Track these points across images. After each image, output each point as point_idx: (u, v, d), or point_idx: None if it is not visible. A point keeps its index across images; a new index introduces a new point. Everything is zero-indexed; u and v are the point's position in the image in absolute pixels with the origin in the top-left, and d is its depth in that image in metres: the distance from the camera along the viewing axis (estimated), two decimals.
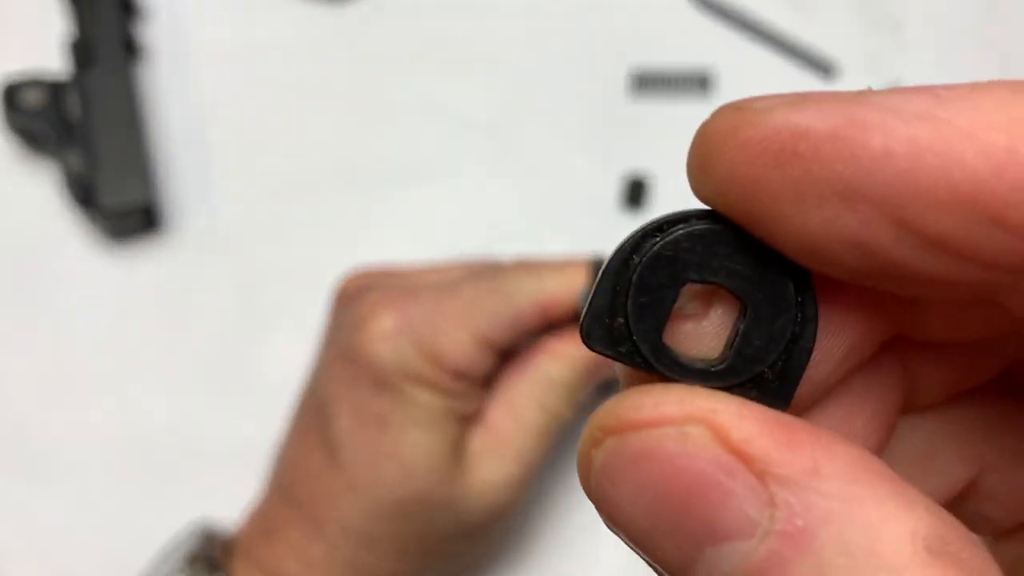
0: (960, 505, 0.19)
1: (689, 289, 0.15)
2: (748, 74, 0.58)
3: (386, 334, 0.39)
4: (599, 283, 0.15)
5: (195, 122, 0.57)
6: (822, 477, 0.13)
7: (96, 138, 0.52)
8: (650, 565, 0.14)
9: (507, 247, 0.49)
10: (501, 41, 0.59)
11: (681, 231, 0.14)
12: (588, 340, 0.15)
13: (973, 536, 0.13)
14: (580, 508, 0.48)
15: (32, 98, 0.52)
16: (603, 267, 0.15)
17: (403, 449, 0.39)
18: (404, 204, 0.55)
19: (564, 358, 0.41)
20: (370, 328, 0.39)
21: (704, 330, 0.15)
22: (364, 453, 0.39)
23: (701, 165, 0.14)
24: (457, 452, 0.40)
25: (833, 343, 0.15)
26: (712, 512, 0.13)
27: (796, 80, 0.58)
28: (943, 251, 0.13)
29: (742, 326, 0.14)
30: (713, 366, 0.15)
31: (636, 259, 0.15)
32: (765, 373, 0.14)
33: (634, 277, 0.14)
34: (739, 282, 0.14)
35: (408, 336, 0.39)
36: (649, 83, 0.57)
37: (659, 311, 0.14)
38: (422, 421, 0.39)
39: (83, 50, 0.54)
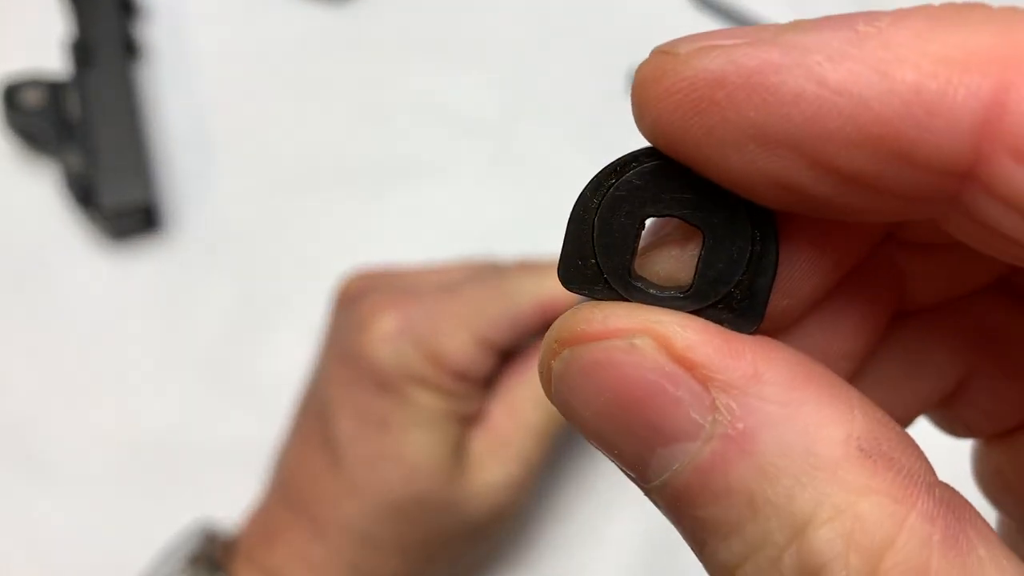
0: (948, 409, 0.19)
1: (655, 223, 0.16)
2: None
3: (387, 336, 0.39)
4: (567, 229, 0.16)
5: (195, 122, 0.57)
6: (762, 383, 0.13)
7: (96, 138, 0.52)
8: (612, 461, 0.15)
9: (507, 246, 0.49)
10: (501, 40, 0.60)
11: (633, 170, 0.15)
12: (566, 283, 0.16)
13: (908, 438, 0.14)
14: (581, 508, 0.48)
15: (32, 98, 0.52)
16: (569, 214, 0.16)
17: (404, 450, 0.39)
18: (404, 203, 0.55)
19: None
20: (371, 330, 0.39)
21: (671, 260, 0.16)
22: (365, 455, 0.39)
23: (637, 108, 0.14)
24: (458, 453, 0.40)
25: (805, 258, 0.15)
26: (659, 417, 0.14)
27: None
28: (860, 187, 0.13)
29: (703, 251, 0.15)
30: (682, 292, 0.15)
31: (596, 201, 0.16)
32: (733, 293, 0.15)
33: (595, 219, 0.16)
34: (692, 211, 0.15)
35: (409, 337, 0.39)
36: None
37: (623, 247, 0.15)
38: (423, 422, 0.39)
39: (83, 50, 0.54)
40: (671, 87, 0.14)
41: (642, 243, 0.16)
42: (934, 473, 0.14)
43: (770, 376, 0.14)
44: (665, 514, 0.15)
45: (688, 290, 0.15)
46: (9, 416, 0.50)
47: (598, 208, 0.16)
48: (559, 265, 0.16)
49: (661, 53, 0.14)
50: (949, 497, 0.13)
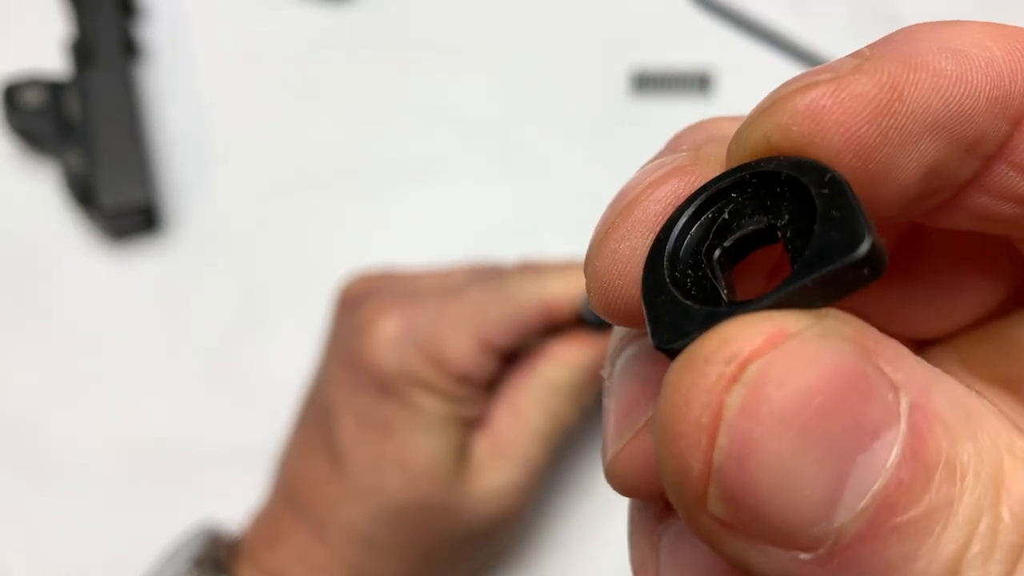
0: None
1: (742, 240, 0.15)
2: (748, 74, 0.58)
3: (389, 340, 0.39)
4: (650, 278, 0.15)
5: (195, 122, 0.57)
6: (902, 357, 0.13)
7: (96, 138, 0.52)
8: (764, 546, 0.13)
9: (509, 247, 0.49)
10: (502, 41, 0.60)
11: (719, 194, 0.15)
12: (666, 341, 0.14)
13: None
14: (582, 507, 0.48)
15: (32, 98, 0.52)
16: (648, 268, 0.15)
17: (407, 455, 0.39)
18: (405, 204, 0.55)
19: (566, 362, 0.41)
20: (373, 334, 0.39)
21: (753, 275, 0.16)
22: (368, 459, 0.39)
23: (811, 125, 0.14)
24: (461, 457, 0.40)
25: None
26: (863, 408, 0.12)
27: None
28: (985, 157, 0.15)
29: (789, 237, 0.14)
30: (795, 278, 0.13)
31: (695, 238, 0.15)
32: (847, 253, 0.14)
33: (704, 255, 0.15)
34: (773, 219, 0.15)
35: (411, 341, 0.39)
36: (650, 83, 0.58)
37: (724, 270, 0.15)
38: (426, 426, 0.39)
39: (83, 50, 0.54)
40: (846, 101, 0.14)
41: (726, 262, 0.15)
42: None
43: (905, 355, 0.13)
44: (834, 564, 0.12)
45: (797, 274, 0.13)
46: (9, 416, 0.50)
47: (701, 247, 0.15)
48: (652, 330, 0.14)
49: (813, 84, 0.14)
50: None
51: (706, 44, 0.59)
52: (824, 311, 0.13)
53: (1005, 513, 0.12)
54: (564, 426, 0.42)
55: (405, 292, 0.41)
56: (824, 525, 0.12)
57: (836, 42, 0.59)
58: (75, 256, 0.53)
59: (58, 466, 0.49)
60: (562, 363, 0.41)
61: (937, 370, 0.13)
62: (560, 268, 0.41)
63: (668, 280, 0.14)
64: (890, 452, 0.12)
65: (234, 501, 0.45)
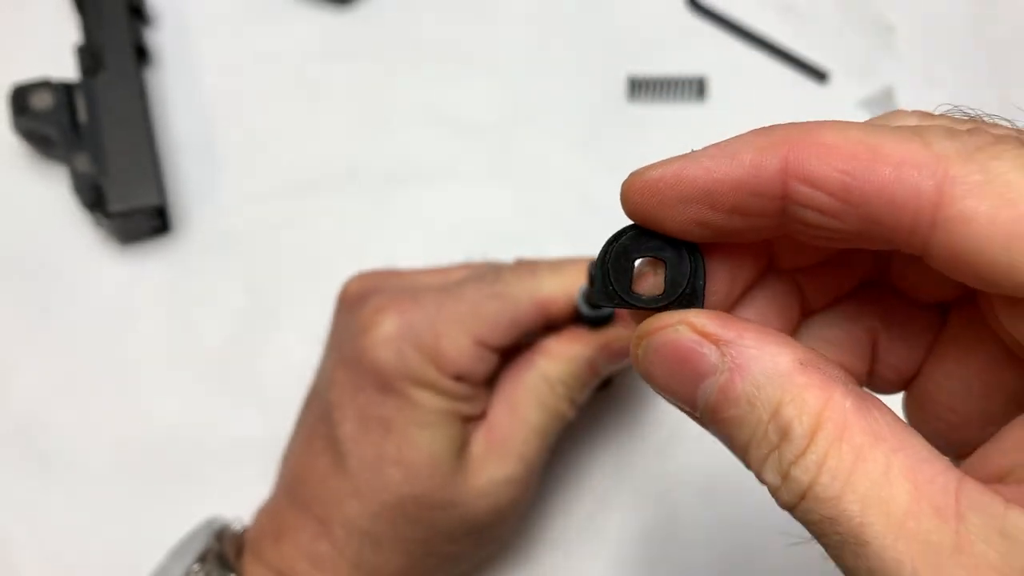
0: (872, 376, 0.29)
1: (640, 262, 0.26)
2: (743, 79, 0.59)
3: (388, 338, 0.39)
4: (595, 273, 0.27)
5: (203, 125, 0.57)
6: (743, 338, 0.23)
7: (105, 143, 0.52)
8: (675, 405, 0.25)
9: (508, 249, 0.49)
10: (502, 46, 0.60)
11: (625, 236, 0.26)
12: (599, 302, 0.28)
13: (832, 361, 0.23)
14: (579, 504, 0.49)
15: (41, 102, 0.53)
16: (595, 264, 0.27)
17: (406, 451, 0.39)
18: (407, 206, 0.56)
19: (562, 358, 0.42)
20: (372, 333, 0.40)
21: (651, 281, 0.26)
22: (368, 456, 0.39)
23: (623, 201, 0.25)
24: (460, 453, 0.40)
25: (720, 273, 0.26)
26: (696, 365, 0.24)
27: (790, 85, 0.59)
28: (737, 215, 0.24)
29: (667, 273, 0.26)
30: (658, 298, 0.26)
31: (608, 254, 0.26)
32: (684, 293, 0.26)
33: (610, 264, 0.26)
34: (659, 253, 0.26)
35: (410, 340, 0.39)
36: (647, 87, 0.58)
37: (625, 278, 0.26)
38: (425, 423, 0.39)
39: (92, 56, 0.54)
40: (639, 185, 0.25)
41: (635, 274, 0.26)
42: (853, 381, 0.23)
43: (748, 335, 0.23)
44: (708, 428, 0.24)
45: (661, 296, 0.26)
46: (20, 415, 0.50)
47: (610, 258, 0.26)
48: (590, 294, 0.29)
49: (633, 173, 0.25)
50: (859, 391, 0.22)
51: (703, 50, 0.60)
52: (688, 311, 0.25)
53: (772, 430, 0.22)
54: (560, 421, 0.42)
55: (404, 292, 0.41)
56: (692, 407, 0.24)
57: (829, 48, 0.60)
58: (84, 258, 0.54)
59: (68, 464, 0.50)
60: (558, 359, 0.42)
61: (763, 343, 0.23)
62: (555, 265, 0.42)
63: (607, 269, 0.26)
64: (714, 386, 0.23)
65: (240, 497, 0.45)
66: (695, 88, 0.58)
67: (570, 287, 0.41)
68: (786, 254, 0.27)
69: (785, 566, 0.47)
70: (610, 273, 0.26)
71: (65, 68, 0.56)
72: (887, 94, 0.58)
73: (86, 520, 0.49)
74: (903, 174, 0.21)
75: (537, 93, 0.59)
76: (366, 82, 0.59)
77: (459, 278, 0.42)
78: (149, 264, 0.54)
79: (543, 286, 0.41)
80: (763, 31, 0.60)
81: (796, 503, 0.22)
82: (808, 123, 0.24)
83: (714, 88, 0.59)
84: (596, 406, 0.51)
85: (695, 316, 0.24)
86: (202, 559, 0.41)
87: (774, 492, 0.22)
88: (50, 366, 0.51)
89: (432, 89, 0.59)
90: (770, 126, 0.25)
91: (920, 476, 0.20)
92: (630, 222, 0.26)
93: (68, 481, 0.49)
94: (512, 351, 0.42)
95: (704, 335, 0.24)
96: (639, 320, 0.25)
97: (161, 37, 0.60)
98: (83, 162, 0.52)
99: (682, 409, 0.25)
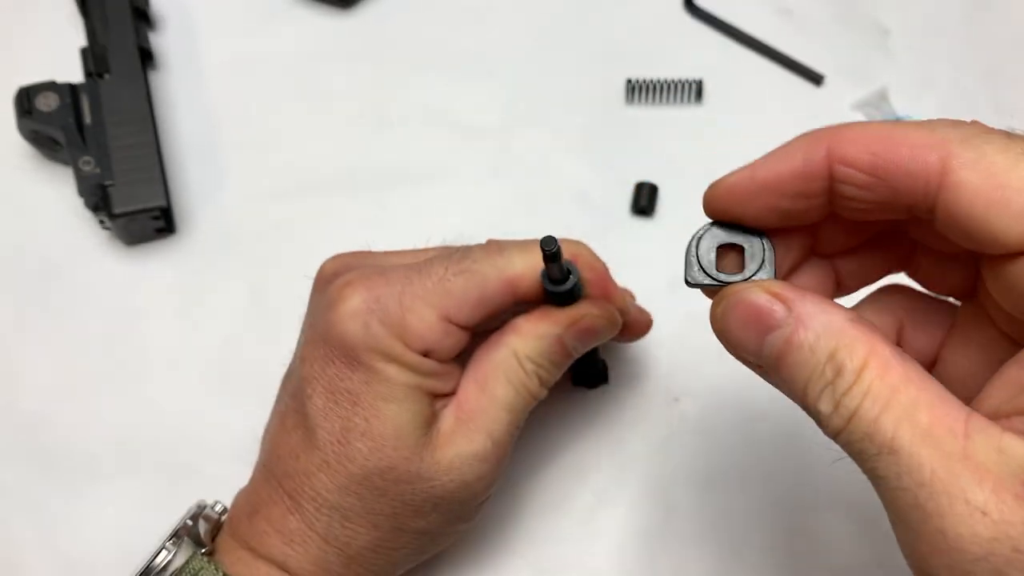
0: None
1: (720, 248, 0.33)
2: (741, 82, 0.60)
3: (355, 312, 0.40)
4: (686, 259, 0.33)
5: (207, 127, 0.58)
6: (804, 300, 0.29)
7: (110, 144, 0.52)
8: (745, 363, 0.31)
9: None
10: (502, 49, 0.61)
11: (706, 231, 0.33)
12: (692, 283, 0.33)
13: (872, 324, 0.29)
14: (576, 500, 0.49)
15: (47, 104, 0.53)
16: (687, 251, 0.33)
17: (373, 424, 0.39)
18: (408, 207, 0.56)
19: (531, 335, 0.42)
20: (340, 307, 0.40)
21: (731, 261, 0.33)
22: (336, 430, 0.40)
23: (709, 204, 0.33)
24: (427, 427, 0.40)
25: (783, 251, 0.33)
26: (766, 319, 0.29)
27: (786, 87, 0.60)
28: (799, 198, 0.31)
29: (744, 256, 0.33)
30: (739, 275, 0.33)
31: (694, 243, 0.33)
32: (760, 268, 0.32)
33: (698, 253, 0.33)
34: (738, 240, 0.33)
35: (377, 314, 0.39)
36: (645, 90, 0.59)
37: (710, 260, 0.33)
38: (392, 397, 0.39)
39: (98, 59, 0.55)
40: (722, 190, 0.32)
41: (718, 257, 0.33)
42: (888, 338, 0.28)
43: (809, 296, 0.29)
44: (772, 378, 0.30)
45: (743, 274, 0.32)
46: (26, 414, 0.51)
47: (696, 246, 0.33)
48: (686, 275, 0.33)
49: (714, 183, 0.32)
50: (895, 346, 0.28)
51: (701, 53, 0.60)
52: (755, 281, 0.31)
53: (828, 369, 0.28)
54: (529, 398, 0.42)
55: (374, 269, 0.41)
56: (757, 356, 0.30)
57: (825, 51, 0.60)
58: (90, 259, 0.54)
59: (72, 460, 0.50)
60: (527, 336, 0.42)
61: (821, 305, 0.29)
62: (524, 244, 0.42)
63: (696, 256, 0.33)
64: (779, 338, 0.29)
65: None
66: (692, 90, 0.59)
67: (538, 265, 0.41)
68: (827, 240, 0.34)
69: (783, 563, 0.48)
70: (699, 260, 0.33)
71: (70, 70, 0.56)
72: (881, 96, 0.59)
73: (91, 517, 0.49)
74: (915, 152, 0.28)
75: (536, 95, 0.59)
76: (368, 84, 0.59)
77: (430, 257, 0.42)
78: (154, 265, 0.54)
79: (512, 264, 0.41)
80: (760, 34, 0.61)
81: (844, 426, 0.28)
82: (841, 124, 0.30)
83: (711, 91, 0.59)
84: (596, 403, 0.51)
85: (772, 284, 0.30)
86: (175, 536, 0.42)
87: (826, 419, 0.28)
88: (56, 365, 0.52)
89: (433, 91, 0.59)
90: (814, 130, 0.31)
91: (938, 407, 0.27)
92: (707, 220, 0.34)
93: (73, 478, 0.50)
94: (483, 331, 0.42)
95: (776, 295, 0.29)
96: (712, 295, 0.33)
97: (165, 40, 0.60)
98: (88, 164, 0.52)
99: (744, 360, 0.31)
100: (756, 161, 0.31)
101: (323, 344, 0.40)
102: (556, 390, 0.51)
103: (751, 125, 0.58)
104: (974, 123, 0.29)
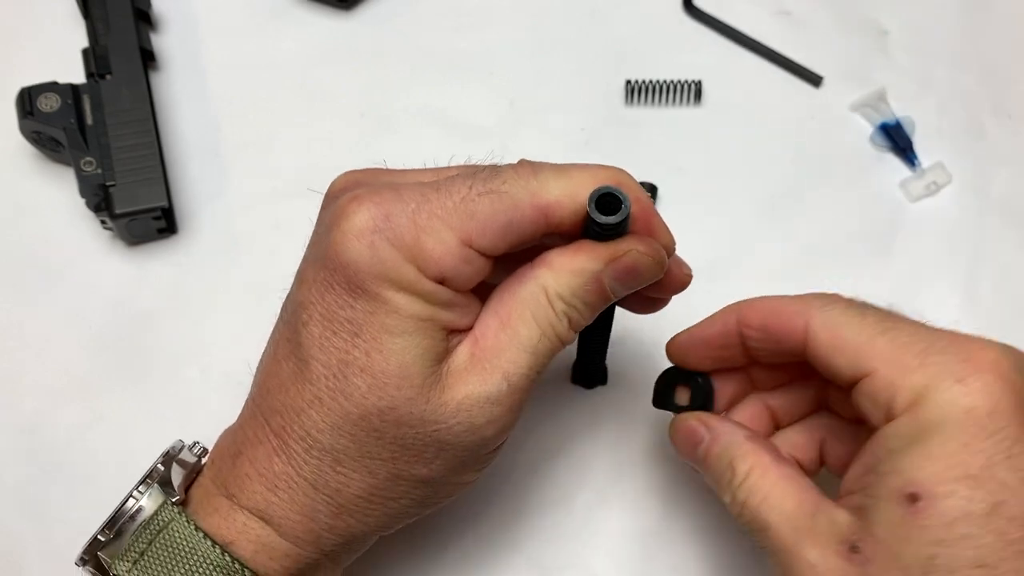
0: (822, 466, 0.43)
1: (677, 384, 0.44)
2: (740, 83, 0.60)
3: (361, 231, 0.34)
4: (655, 391, 0.45)
5: (208, 128, 0.58)
6: (720, 425, 0.41)
7: (112, 145, 0.53)
8: (691, 464, 0.42)
9: None
10: (501, 50, 0.61)
11: (669, 371, 0.44)
12: (657, 407, 0.45)
13: (767, 440, 0.41)
14: (576, 498, 0.49)
15: (49, 105, 0.53)
16: (655, 384, 0.45)
17: (375, 359, 0.35)
18: None
19: (566, 270, 0.36)
20: (344, 225, 0.35)
21: (684, 394, 0.44)
22: (333, 363, 0.35)
23: (668, 354, 0.44)
24: (437, 365, 0.36)
25: (724, 386, 0.44)
26: (695, 436, 0.41)
27: (785, 88, 0.60)
28: (724, 349, 0.42)
29: (692, 391, 0.44)
30: (688, 405, 0.44)
31: (660, 382, 0.45)
32: (706, 404, 0.43)
33: (662, 387, 0.45)
34: (688, 379, 0.44)
35: (386, 234, 0.34)
36: (644, 91, 0.59)
37: (670, 393, 0.44)
38: (398, 330, 0.35)
39: (99, 60, 0.55)
40: (675, 345, 0.44)
41: (676, 390, 0.44)
42: (777, 449, 0.40)
43: (722, 423, 0.41)
44: (704, 476, 0.41)
45: (690, 404, 0.44)
46: (28, 414, 0.51)
47: (663, 383, 0.44)
48: (653, 400, 0.45)
49: (672, 339, 0.43)
50: (779, 453, 0.39)
51: (700, 54, 0.61)
52: (700, 412, 0.42)
53: (727, 471, 0.39)
54: (555, 341, 0.37)
55: (387, 185, 0.36)
56: (693, 460, 0.42)
57: (824, 52, 0.61)
58: (91, 259, 0.54)
59: (74, 461, 0.50)
60: (560, 270, 0.36)
61: (730, 427, 0.40)
62: (561, 167, 0.36)
63: (660, 389, 0.45)
64: (703, 449, 0.41)
65: None
66: (692, 92, 0.59)
67: (577, 192, 0.35)
68: (758, 378, 0.43)
69: None
70: (661, 392, 0.44)
71: (72, 71, 0.56)
72: (880, 97, 0.59)
73: (93, 518, 0.49)
74: (789, 317, 0.38)
75: (536, 96, 0.59)
76: (368, 84, 0.60)
77: (452, 175, 0.37)
78: (155, 265, 0.54)
79: (547, 188, 0.35)
80: (759, 35, 0.61)
81: (739, 511, 0.38)
82: (746, 299, 0.41)
83: (710, 92, 0.59)
84: (596, 403, 0.51)
85: (700, 414, 0.42)
86: (146, 481, 0.38)
87: (728, 507, 0.38)
88: (58, 366, 0.52)
89: (433, 92, 0.60)
90: (734, 303, 0.41)
91: (799, 496, 0.36)
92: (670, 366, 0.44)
93: (76, 479, 0.50)
94: (507, 263, 0.37)
95: (702, 421, 0.41)
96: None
97: (167, 41, 0.61)
98: (89, 164, 0.52)
99: (689, 462, 0.42)
100: (693, 326, 0.42)
101: (324, 266, 0.35)
102: (556, 390, 0.52)
103: (750, 126, 0.58)
104: (834, 295, 0.38)
